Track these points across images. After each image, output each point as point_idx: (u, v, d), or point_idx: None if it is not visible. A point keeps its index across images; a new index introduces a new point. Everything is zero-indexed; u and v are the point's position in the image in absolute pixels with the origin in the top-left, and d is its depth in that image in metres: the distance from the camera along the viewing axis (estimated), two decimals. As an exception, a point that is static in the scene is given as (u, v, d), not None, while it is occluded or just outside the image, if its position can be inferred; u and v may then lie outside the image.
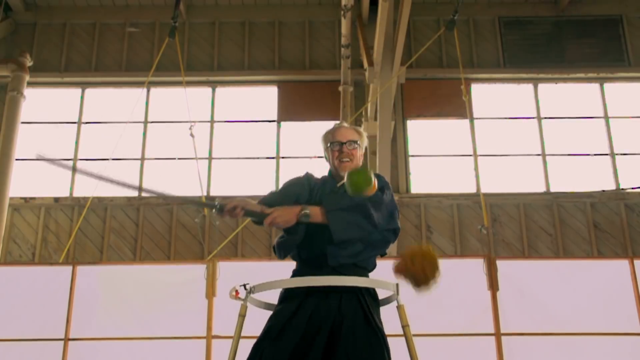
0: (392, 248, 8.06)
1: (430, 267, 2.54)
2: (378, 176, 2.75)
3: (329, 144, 2.84)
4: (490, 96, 9.62)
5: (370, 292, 2.67)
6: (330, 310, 2.53)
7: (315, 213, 2.55)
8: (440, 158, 9.26)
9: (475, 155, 8.84)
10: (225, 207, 2.51)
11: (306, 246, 2.68)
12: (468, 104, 8.69)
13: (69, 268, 5.75)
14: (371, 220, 2.57)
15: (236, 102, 9.65)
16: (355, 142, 2.83)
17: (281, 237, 2.76)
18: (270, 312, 2.76)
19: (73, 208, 8.89)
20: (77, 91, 9.68)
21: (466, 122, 9.19)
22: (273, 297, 2.76)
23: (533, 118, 9.45)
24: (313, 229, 2.61)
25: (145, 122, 9.45)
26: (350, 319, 2.51)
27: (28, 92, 8.83)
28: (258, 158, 9.30)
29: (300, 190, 2.79)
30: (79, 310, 5.59)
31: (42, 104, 9.58)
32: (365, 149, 2.93)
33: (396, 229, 2.74)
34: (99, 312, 5.62)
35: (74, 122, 9.49)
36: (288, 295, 2.65)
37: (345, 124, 2.93)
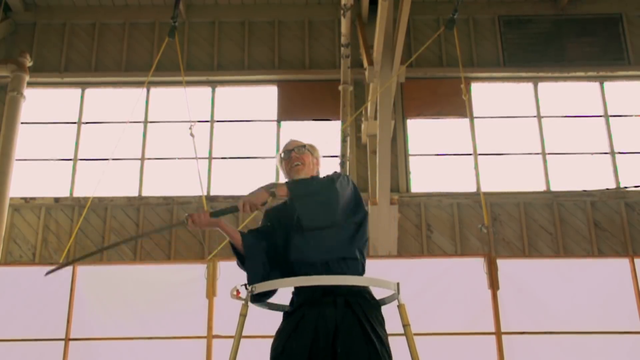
0: (393, 247, 8.06)
1: None
2: (338, 175, 2.77)
3: (281, 156, 2.94)
4: (490, 95, 9.62)
5: (366, 296, 2.65)
6: (328, 324, 2.52)
7: (282, 188, 2.62)
8: (440, 157, 9.26)
9: (475, 154, 8.84)
10: (189, 218, 2.64)
11: (290, 264, 2.68)
12: (468, 103, 8.68)
13: (70, 268, 5.75)
14: (335, 199, 2.62)
15: (236, 101, 9.65)
16: (304, 146, 2.91)
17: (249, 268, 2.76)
18: (271, 312, 2.76)
19: (73, 208, 8.89)
20: (77, 91, 9.67)
21: (466, 121, 9.18)
22: (274, 296, 2.76)
23: (533, 117, 9.45)
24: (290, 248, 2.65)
25: (145, 122, 9.45)
26: (345, 333, 2.50)
27: (28, 92, 8.82)
28: (258, 158, 9.30)
29: (273, 215, 2.87)
30: (80, 310, 5.60)
31: (42, 104, 9.58)
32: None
33: (365, 214, 2.76)
34: (100, 312, 5.62)
35: (74, 122, 9.49)
36: (289, 310, 2.67)
37: (295, 139, 2.99)
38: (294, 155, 2.88)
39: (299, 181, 2.73)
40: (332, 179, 2.67)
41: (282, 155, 2.93)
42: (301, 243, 2.63)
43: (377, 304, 2.66)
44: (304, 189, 2.63)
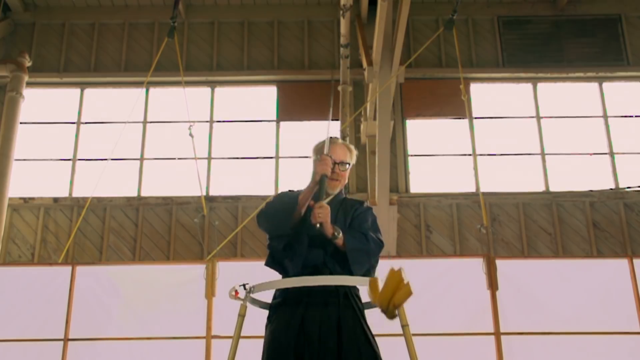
0: (392, 248, 8.06)
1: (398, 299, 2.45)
2: (368, 209, 2.87)
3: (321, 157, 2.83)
4: (489, 96, 9.62)
5: (359, 296, 2.73)
6: (331, 323, 2.56)
7: (341, 239, 2.65)
8: (440, 157, 9.26)
9: (474, 154, 8.83)
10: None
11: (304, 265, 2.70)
12: (467, 104, 8.68)
13: (69, 268, 5.76)
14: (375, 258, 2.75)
15: (235, 102, 9.65)
16: (348, 164, 2.89)
17: (281, 244, 2.72)
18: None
19: (72, 208, 8.89)
20: (76, 91, 9.67)
21: (465, 121, 9.19)
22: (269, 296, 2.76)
23: (532, 117, 9.46)
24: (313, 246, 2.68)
25: (145, 122, 9.44)
26: (349, 331, 2.55)
27: (27, 92, 8.82)
28: (257, 158, 9.29)
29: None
30: (79, 310, 5.59)
31: (41, 104, 9.57)
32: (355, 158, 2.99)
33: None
34: (99, 312, 5.62)
35: (73, 123, 9.48)
36: (285, 308, 2.64)
37: (340, 140, 2.95)
38: (337, 171, 2.84)
39: (357, 238, 2.70)
40: (381, 241, 2.78)
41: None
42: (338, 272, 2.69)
43: (364, 308, 2.74)
44: (364, 248, 2.69)
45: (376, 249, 2.71)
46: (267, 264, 2.82)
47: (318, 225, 2.58)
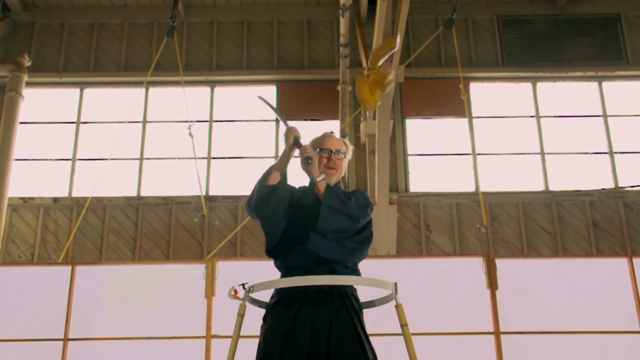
0: (392, 247, 8.06)
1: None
2: (371, 207, 2.86)
3: (317, 150, 2.89)
4: (489, 95, 9.62)
5: (355, 296, 2.69)
6: (323, 324, 2.54)
7: (321, 187, 2.72)
8: (439, 157, 9.26)
9: (474, 154, 8.84)
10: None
11: (292, 254, 2.72)
12: (467, 103, 8.68)
13: (68, 268, 5.77)
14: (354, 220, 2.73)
15: (235, 101, 9.65)
16: (344, 152, 2.93)
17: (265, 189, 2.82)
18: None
19: (72, 208, 8.89)
20: (75, 91, 9.67)
21: (465, 121, 9.19)
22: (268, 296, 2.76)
23: (532, 117, 9.46)
24: (299, 234, 2.68)
25: (144, 122, 9.44)
26: (339, 332, 2.53)
27: (26, 92, 8.82)
28: (257, 158, 9.29)
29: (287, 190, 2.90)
30: (78, 310, 5.60)
31: (41, 104, 9.56)
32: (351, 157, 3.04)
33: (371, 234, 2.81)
34: (99, 312, 5.63)
35: (73, 122, 9.48)
36: (278, 308, 2.65)
37: (334, 134, 3.01)
38: (334, 159, 2.88)
39: (340, 194, 2.72)
40: (367, 206, 2.77)
41: (320, 150, 2.89)
42: (318, 240, 2.66)
43: (362, 307, 2.71)
44: (339, 205, 2.68)
45: (357, 210, 2.70)
46: (267, 252, 2.85)
47: (309, 161, 2.70)
